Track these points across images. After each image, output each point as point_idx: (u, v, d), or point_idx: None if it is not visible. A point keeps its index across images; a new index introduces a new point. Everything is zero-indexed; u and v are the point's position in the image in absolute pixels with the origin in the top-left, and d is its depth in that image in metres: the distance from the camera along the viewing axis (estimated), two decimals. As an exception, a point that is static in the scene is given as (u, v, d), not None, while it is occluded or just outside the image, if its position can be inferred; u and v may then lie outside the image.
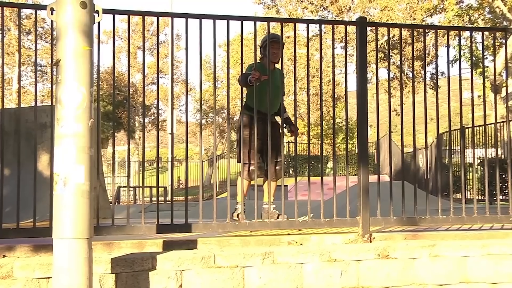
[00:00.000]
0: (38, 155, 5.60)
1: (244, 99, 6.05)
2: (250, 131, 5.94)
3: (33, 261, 3.96)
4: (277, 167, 6.15)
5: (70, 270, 3.31)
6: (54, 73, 3.51)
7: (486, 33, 13.36)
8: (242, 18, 4.99)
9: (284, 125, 6.33)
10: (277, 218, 5.80)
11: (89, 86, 3.46)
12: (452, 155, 15.61)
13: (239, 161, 6.10)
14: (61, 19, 3.44)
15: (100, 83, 4.82)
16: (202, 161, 5.20)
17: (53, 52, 3.66)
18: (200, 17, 4.84)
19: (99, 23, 4.01)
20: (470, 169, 12.32)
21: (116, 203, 18.06)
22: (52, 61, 3.73)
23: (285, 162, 9.66)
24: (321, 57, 5.59)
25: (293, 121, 6.19)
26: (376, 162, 9.15)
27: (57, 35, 3.46)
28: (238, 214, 5.94)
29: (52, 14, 3.51)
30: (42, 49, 33.23)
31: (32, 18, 30.36)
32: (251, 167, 6.03)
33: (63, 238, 3.34)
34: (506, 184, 5.60)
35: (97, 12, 3.62)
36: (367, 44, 5.09)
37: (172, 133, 4.80)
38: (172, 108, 5.04)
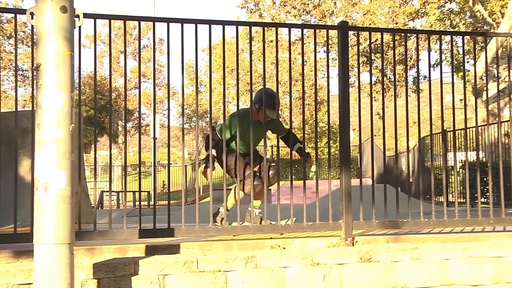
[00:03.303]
0: (19, 160, 5.55)
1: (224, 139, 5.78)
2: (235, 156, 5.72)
3: (13, 267, 3.92)
4: (271, 172, 6.07)
5: (51, 276, 3.29)
6: (35, 77, 3.48)
7: (467, 37, 13.48)
8: (224, 23, 4.98)
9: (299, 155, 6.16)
10: (260, 222, 5.79)
11: (70, 91, 3.44)
12: (434, 159, 15.77)
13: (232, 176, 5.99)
14: (41, 24, 3.42)
15: (82, 87, 4.80)
16: (185, 166, 5.19)
17: (34, 56, 3.64)
18: (182, 21, 4.82)
19: (80, 27, 3.99)
20: (452, 172, 12.40)
21: (99, 208, 17.97)
22: (32, 65, 3.70)
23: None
24: (303, 61, 5.60)
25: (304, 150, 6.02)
26: (359, 166, 9.20)
27: (37, 39, 3.44)
28: (222, 219, 5.90)
29: (32, 18, 3.48)
30: (24, 54, 32.97)
31: (13, 22, 30.16)
32: (254, 182, 5.69)
33: (44, 244, 3.32)
34: (487, 187, 5.65)
35: (78, 16, 3.60)
36: (350, 48, 5.12)
37: (154, 138, 4.78)
38: (155, 113, 5.02)
